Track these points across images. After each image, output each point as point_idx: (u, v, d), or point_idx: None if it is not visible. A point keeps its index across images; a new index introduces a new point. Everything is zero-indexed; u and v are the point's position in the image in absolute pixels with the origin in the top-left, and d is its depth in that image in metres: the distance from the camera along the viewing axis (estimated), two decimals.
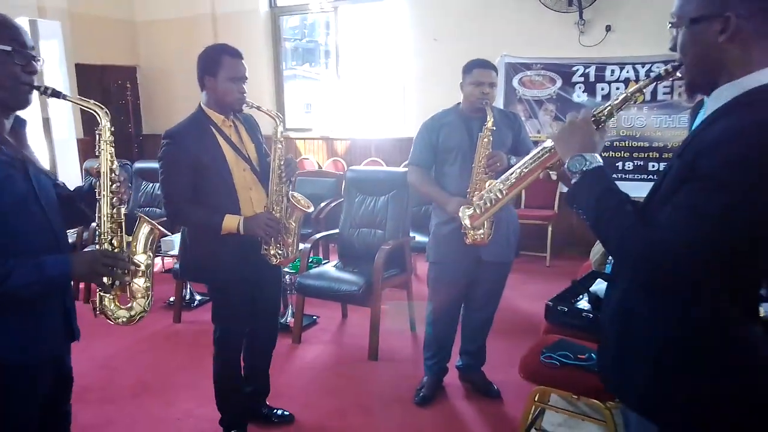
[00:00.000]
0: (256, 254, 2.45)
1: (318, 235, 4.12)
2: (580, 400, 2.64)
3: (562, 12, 5.27)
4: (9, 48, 1.46)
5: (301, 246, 3.90)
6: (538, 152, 1.51)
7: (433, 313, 2.95)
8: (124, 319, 1.69)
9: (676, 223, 1.07)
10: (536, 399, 2.46)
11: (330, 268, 3.82)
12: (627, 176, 5.17)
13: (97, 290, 1.65)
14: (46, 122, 5.71)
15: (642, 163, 5.14)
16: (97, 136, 1.63)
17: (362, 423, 2.82)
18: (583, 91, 5.26)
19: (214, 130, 2.37)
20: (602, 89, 5.18)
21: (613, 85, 5.13)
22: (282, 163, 2.42)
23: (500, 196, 1.66)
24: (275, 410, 2.82)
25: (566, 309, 2.60)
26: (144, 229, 1.71)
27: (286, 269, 3.83)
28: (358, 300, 3.50)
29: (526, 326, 3.84)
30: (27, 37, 1.51)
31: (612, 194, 1.21)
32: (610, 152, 5.18)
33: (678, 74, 1.26)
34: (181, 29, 6.97)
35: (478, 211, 1.73)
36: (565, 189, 1.66)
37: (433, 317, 2.95)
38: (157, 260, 5.06)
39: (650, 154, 5.10)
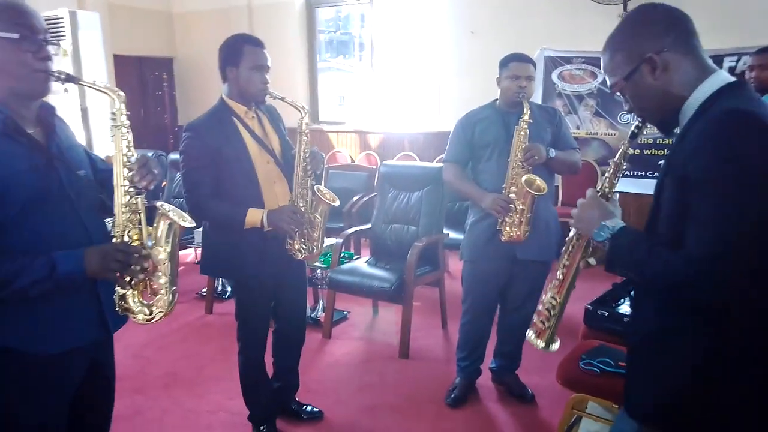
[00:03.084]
0: (279, 251, 2.39)
1: (350, 230, 4.07)
2: (620, 409, 2.54)
3: (605, 4, 5.09)
4: (16, 35, 1.37)
5: (333, 241, 3.87)
6: (567, 246, 1.54)
7: (467, 313, 2.87)
8: (143, 318, 1.56)
9: (706, 237, 1.10)
10: (573, 406, 2.36)
11: (362, 263, 3.78)
12: None
13: (116, 286, 1.54)
14: (84, 113, 5.78)
15: None
16: (111, 121, 1.51)
17: (392, 422, 2.77)
18: None
19: (236, 121, 2.32)
20: None
21: None
22: (307, 155, 2.35)
23: (555, 303, 1.63)
24: (304, 406, 2.80)
25: (607, 313, 2.50)
26: (163, 225, 1.55)
27: (317, 264, 3.80)
28: (390, 297, 3.45)
29: (563, 328, 3.66)
30: (37, 20, 1.42)
31: (640, 241, 1.24)
32: (653, 150, 5.01)
33: (649, 125, 1.39)
34: (217, 21, 6.99)
35: (542, 326, 1.68)
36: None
37: (467, 317, 2.88)
38: (190, 251, 5.10)
39: None
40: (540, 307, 1.66)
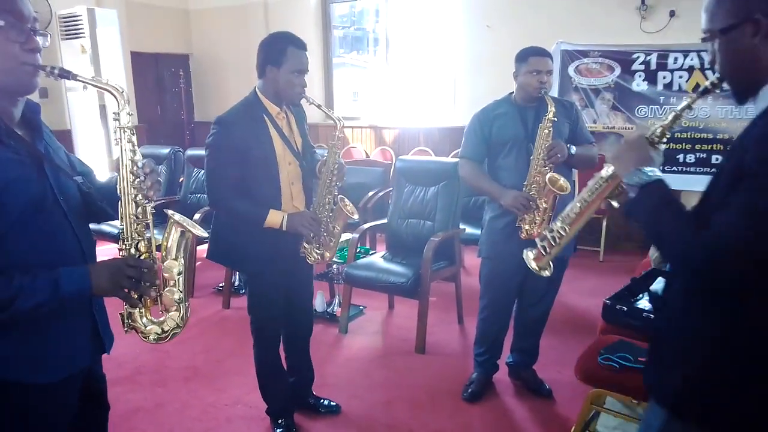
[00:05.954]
0: (291, 248, 2.44)
1: (366, 225, 4.08)
2: (640, 405, 2.53)
3: None
4: (1, 22, 1.20)
5: (349, 236, 3.88)
6: (596, 183, 1.50)
7: (485, 309, 2.87)
8: (155, 337, 1.43)
9: (732, 225, 1.06)
10: (591, 401, 2.36)
11: (378, 258, 3.79)
12: (688, 169, 4.94)
13: (124, 304, 1.40)
14: (103, 109, 5.83)
15: (705, 155, 4.88)
16: (114, 122, 1.38)
17: (409, 416, 2.79)
18: (644, 80, 5.02)
19: (267, 120, 2.33)
20: (664, 78, 4.93)
21: (676, 74, 4.88)
22: (335, 169, 2.39)
23: (563, 234, 1.61)
24: (322, 400, 2.82)
25: (626, 308, 2.48)
26: (174, 233, 1.45)
27: (334, 259, 3.82)
28: (406, 292, 3.46)
29: (579, 323, 3.73)
30: (25, 7, 1.25)
31: (670, 205, 1.20)
32: (671, 144, 4.94)
33: (725, 86, 1.27)
34: (233, 17, 7.03)
35: (543, 252, 1.68)
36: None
37: (485, 313, 2.88)
38: (206, 246, 5.12)
39: (713, 146, 4.84)
40: (546, 233, 1.65)
